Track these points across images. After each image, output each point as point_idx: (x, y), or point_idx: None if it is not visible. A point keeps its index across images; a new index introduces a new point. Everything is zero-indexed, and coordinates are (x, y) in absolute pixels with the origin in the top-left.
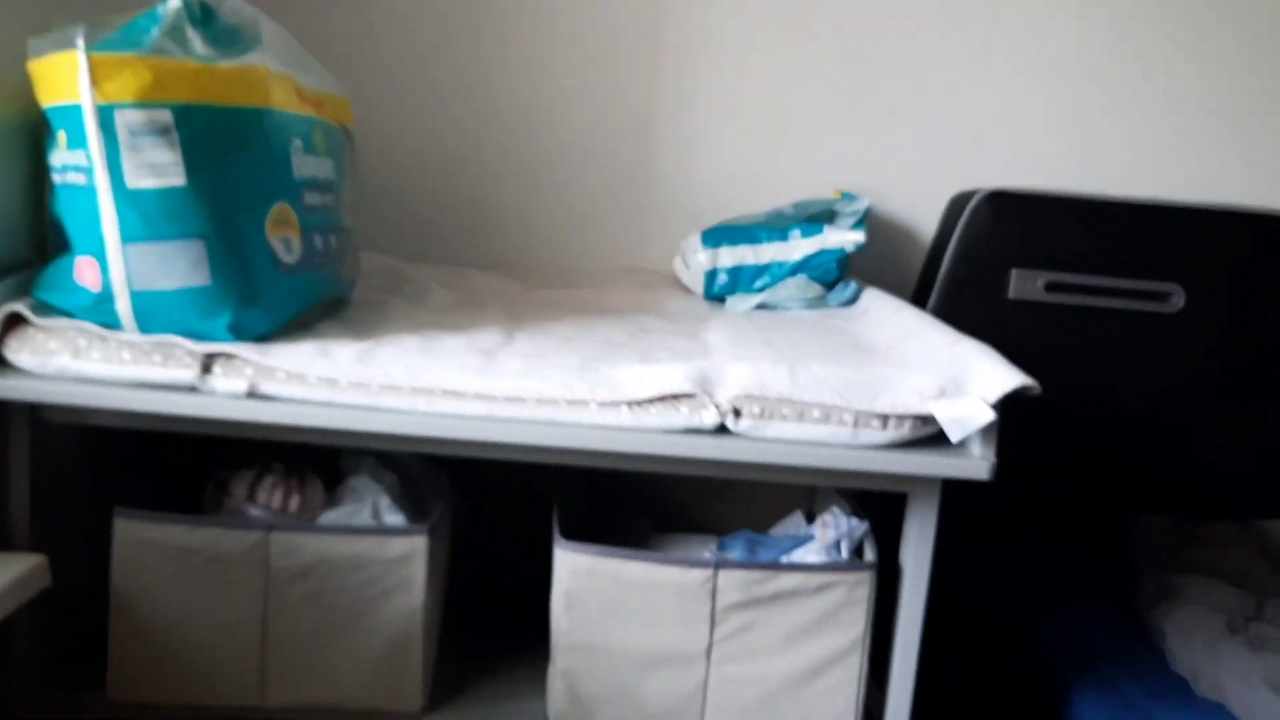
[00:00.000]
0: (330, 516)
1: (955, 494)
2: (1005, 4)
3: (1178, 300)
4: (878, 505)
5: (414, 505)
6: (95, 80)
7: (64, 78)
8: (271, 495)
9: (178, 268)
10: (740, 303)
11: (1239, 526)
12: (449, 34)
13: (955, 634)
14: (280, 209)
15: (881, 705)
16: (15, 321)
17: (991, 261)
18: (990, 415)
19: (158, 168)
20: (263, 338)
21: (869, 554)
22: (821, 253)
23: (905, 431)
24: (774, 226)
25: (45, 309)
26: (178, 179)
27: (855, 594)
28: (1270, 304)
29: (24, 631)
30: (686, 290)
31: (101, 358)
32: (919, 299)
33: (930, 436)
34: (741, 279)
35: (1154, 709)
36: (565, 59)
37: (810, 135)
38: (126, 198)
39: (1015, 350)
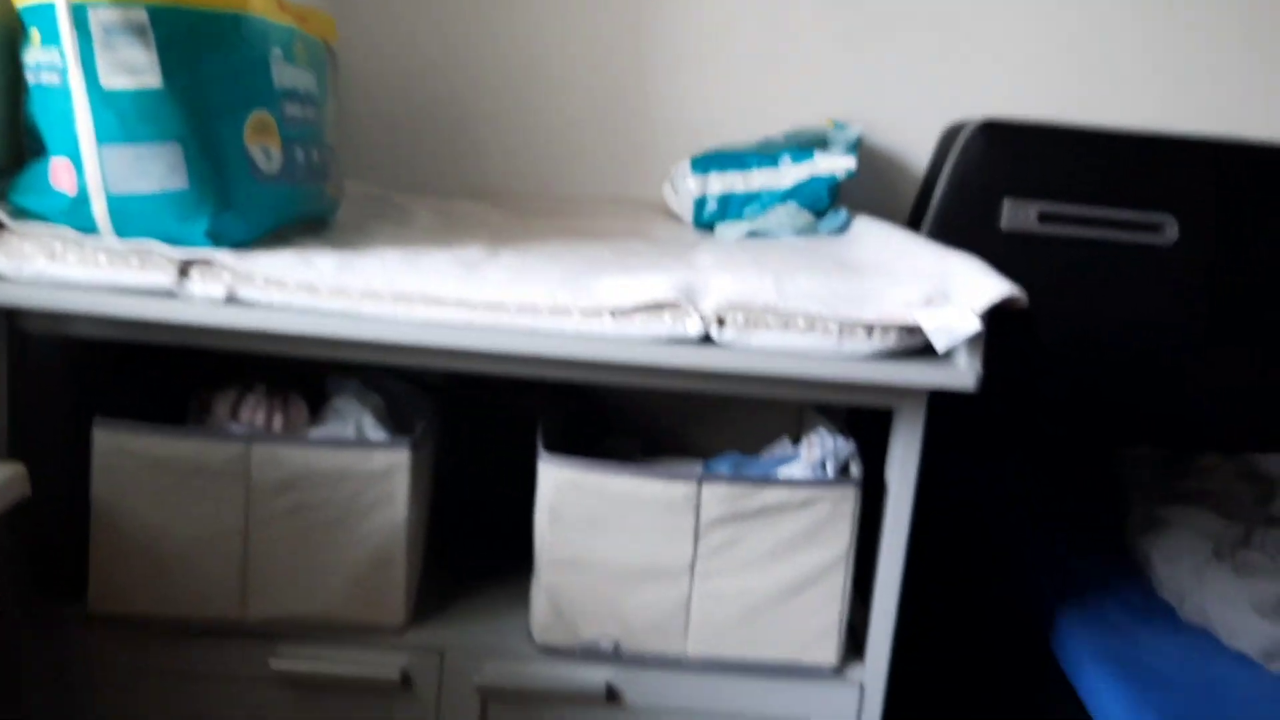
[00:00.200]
0: (313, 434)
1: (942, 415)
2: None
3: (1171, 232)
4: (865, 428)
5: (399, 426)
6: None
7: None
8: (254, 414)
9: (154, 171)
10: (730, 230)
11: (1227, 458)
12: None
13: (941, 556)
14: (259, 116)
15: (865, 622)
16: None
17: (984, 192)
18: (977, 325)
19: (133, 68)
20: (241, 245)
21: (854, 471)
22: (812, 180)
23: (891, 342)
24: (764, 153)
25: (20, 213)
26: (153, 80)
27: (839, 509)
28: (1263, 236)
29: (3, 543)
30: (676, 218)
31: (78, 261)
32: (911, 230)
33: (917, 349)
34: (731, 206)
35: (1139, 633)
36: None
37: (803, 64)
38: (101, 98)
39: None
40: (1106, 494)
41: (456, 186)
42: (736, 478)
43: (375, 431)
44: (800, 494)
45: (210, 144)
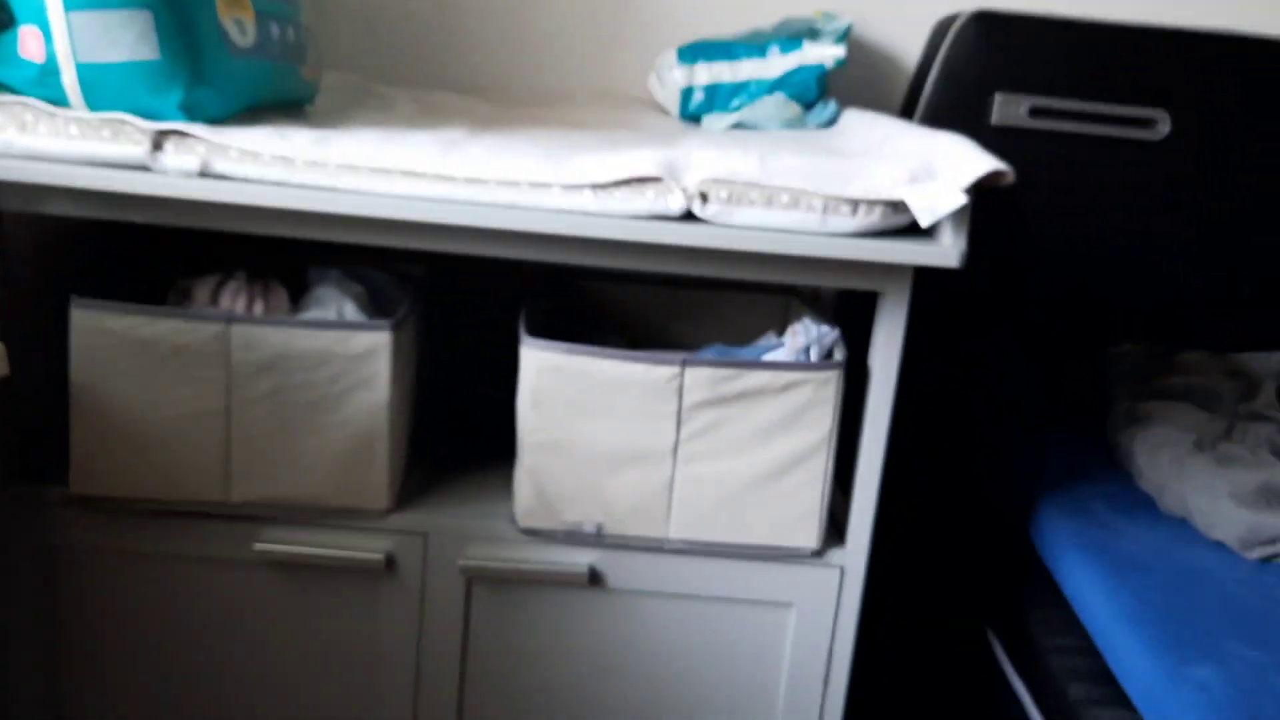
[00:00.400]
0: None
1: (931, 308)
2: None
3: (1163, 126)
4: (854, 321)
5: (381, 314)
6: None
7: None
8: (235, 301)
9: (124, 39)
10: (716, 121)
11: (1212, 355)
12: None
13: (924, 444)
14: None
15: (846, 508)
16: None
17: (975, 85)
18: (962, 199)
19: None
20: (216, 120)
21: (838, 356)
22: (800, 69)
23: (875, 219)
24: (752, 43)
25: None
26: None
27: (822, 393)
28: (1254, 131)
29: None
30: (662, 110)
31: (49, 132)
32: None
33: (902, 228)
34: (718, 97)
35: (1118, 522)
36: None
37: None
38: None
39: None
40: (1092, 389)
41: (439, 80)
42: (719, 361)
43: (357, 317)
44: (783, 377)
45: (181, 13)
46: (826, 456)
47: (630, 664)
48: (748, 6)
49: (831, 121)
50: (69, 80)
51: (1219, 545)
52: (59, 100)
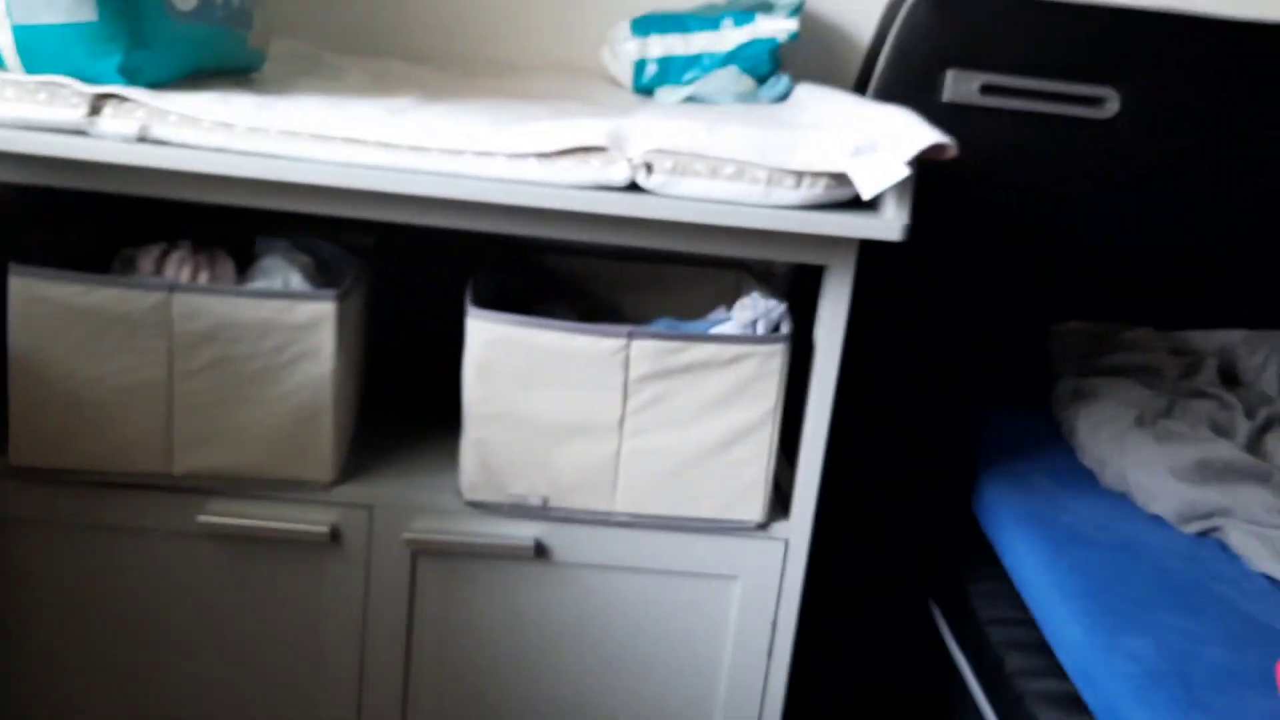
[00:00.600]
0: None
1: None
2: None
3: (1111, 105)
4: (803, 301)
5: (327, 286)
6: None
7: None
8: (180, 270)
9: (60, 1)
10: (669, 94)
11: (1157, 333)
12: None
13: (871, 419)
14: None
15: (791, 480)
16: None
17: (927, 62)
18: (905, 171)
19: None
20: (156, 85)
21: (784, 330)
22: (753, 43)
23: (819, 191)
24: (706, 15)
25: None
26: None
27: (767, 366)
28: (1204, 110)
29: None
30: (614, 83)
31: None
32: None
33: (847, 201)
34: (671, 70)
35: (1060, 496)
36: None
37: None
38: None
39: None
40: (1038, 365)
41: (392, 49)
42: (666, 334)
43: (303, 288)
44: (729, 350)
45: None
46: (772, 430)
47: (576, 637)
48: None
49: (784, 96)
50: (4, 42)
51: (1157, 519)
52: None
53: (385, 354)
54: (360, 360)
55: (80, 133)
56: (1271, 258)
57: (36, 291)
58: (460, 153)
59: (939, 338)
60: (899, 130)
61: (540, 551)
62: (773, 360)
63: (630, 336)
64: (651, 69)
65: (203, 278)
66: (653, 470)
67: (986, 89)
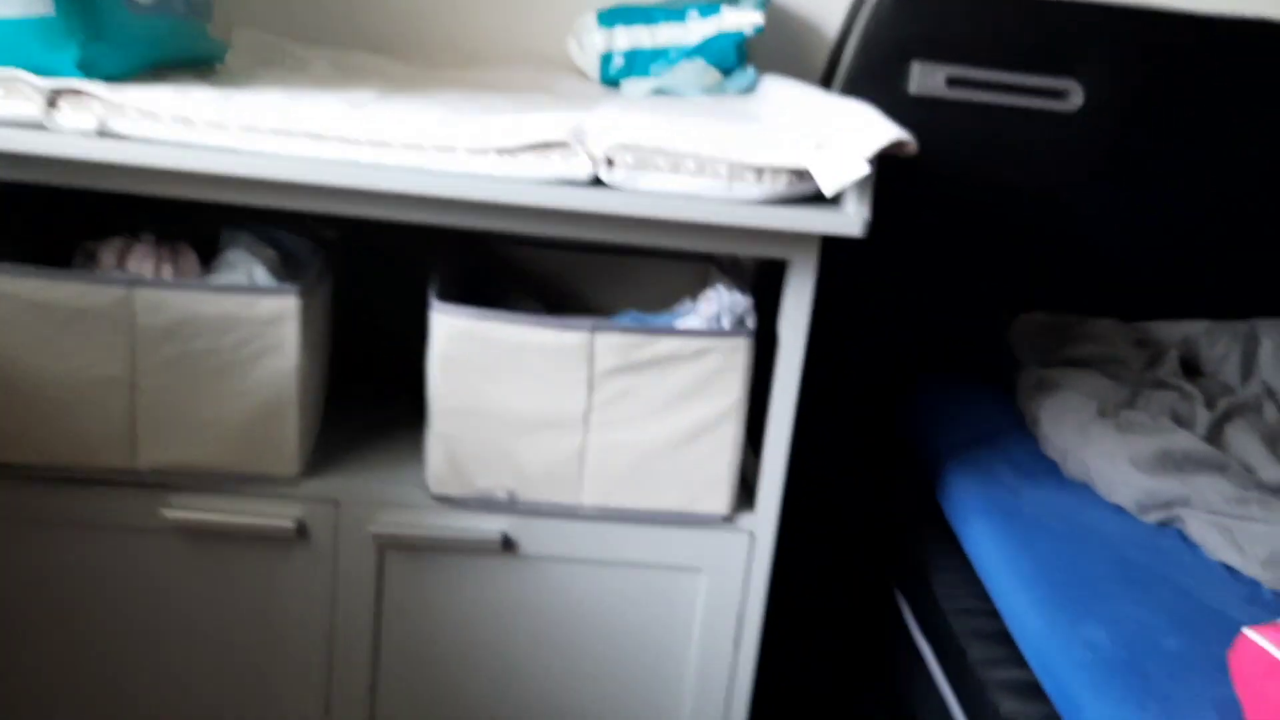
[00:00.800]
0: None
1: (842, 277)
2: None
3: (1076, 98)
4: (769, 293)
5: (291, 279)
6: None
7: None
8: (142, 264)
9: None
10: (635, 86)
11: (1120, 323)
12: None
13: (836, 412)
14: None
15: (756, 471)
16: None
17: (893, 55)
18: (865, 169)
19: None
20: (115, 79)
21: (748, 324)
22: (719, 36)
23: (781, 187)
24: (672, 8)
25: None
26: None
27: (732, 360)
28: (1165, 104)
29: None
30: (581, 74)
31: None
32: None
33: (808, 196)
34: (637, 63)
35: (1021, 487)
36: None
37: None
38: None
39: None
40: (1001, 357)
41: (356, 39)
42: (630, 327)
43: (267, 281)
44: (693, 344)
45: None
46: (736, 423)
47: (543, 629)
48: None
49: (750, 88)
50: None
51: (1118, 509)
52: None
53: (349, 345)
54: (325, 352)
55: (37, 127)
56: (1234, 248)
57: None
58: (421, 148)
59: (902, 328)
60: (860, 126)
61: (507, 545)
62: (737, 354)
63: (594, 330)
64: (618, 61)
65: (166, 271)
66: (619, 463)
67: (952, 81)
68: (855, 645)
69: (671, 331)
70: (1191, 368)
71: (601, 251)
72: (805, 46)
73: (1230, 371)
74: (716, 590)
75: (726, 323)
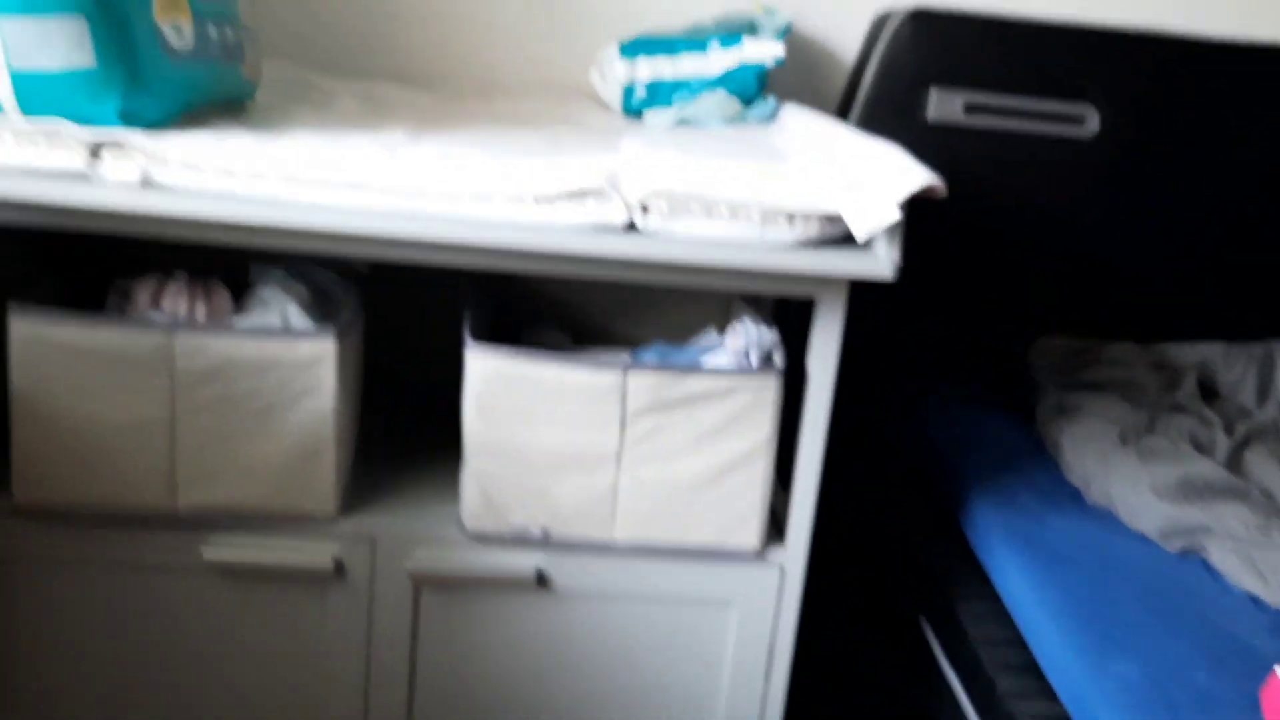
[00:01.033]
0: (238, 324)
1: (873, 307)
2: None
3: (1092, 123)
4: (791, 316)
5: (325, 315)
6: None
7: None
8: (176, 303)
9: (59, 46)
10: (658, 117)
11: (1138, 346)
12: None
13: (860, 441)
14: None
15: (785, 505)
16: None
17: (911, 82)
18: (896, 215)
19: None
20: (155, 126)
21: (777, 360)
22: (741, 67)
23: (813, 231)
24: (693, 39)
25: None
26: None
27: (761, 398)
28: (1180, 129)
29: None
30: (604, 105)
31: None
32: (840, 120)
33: (838, 238)
34: (660, 93)
35: (1046, 514)
36: None
37: None
38: None
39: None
40: (1021, 382)
41: (380, 69)
42: (662, 367)
43: (300, 320)
44: (724, 383)
45: (117, 19)
46: (766, 459)
47: (577, 664)
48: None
49: (771, 118)
50: (3, 88)
51: (1141, 537)
52: None
53: (380, 377)
54: (358, 388)
55: (81, 177)
56: (1249, 270)
57: (37, 333)
58: (459, 196)
59: (920, 352)
60: (891, 170)
61: (541, 581)
62: (767, 392)
63: (627, 370)
64: (640, 92)
65: (200, 310)
66: (651, 500)
67: (970, 108)
68: (883, 674)
69: (703, 370)
70: (1208, 390)
71: (626, 282)
72: (823, 73)
73: (1247, 394)
74: (747, 624)
75: (754, 357)
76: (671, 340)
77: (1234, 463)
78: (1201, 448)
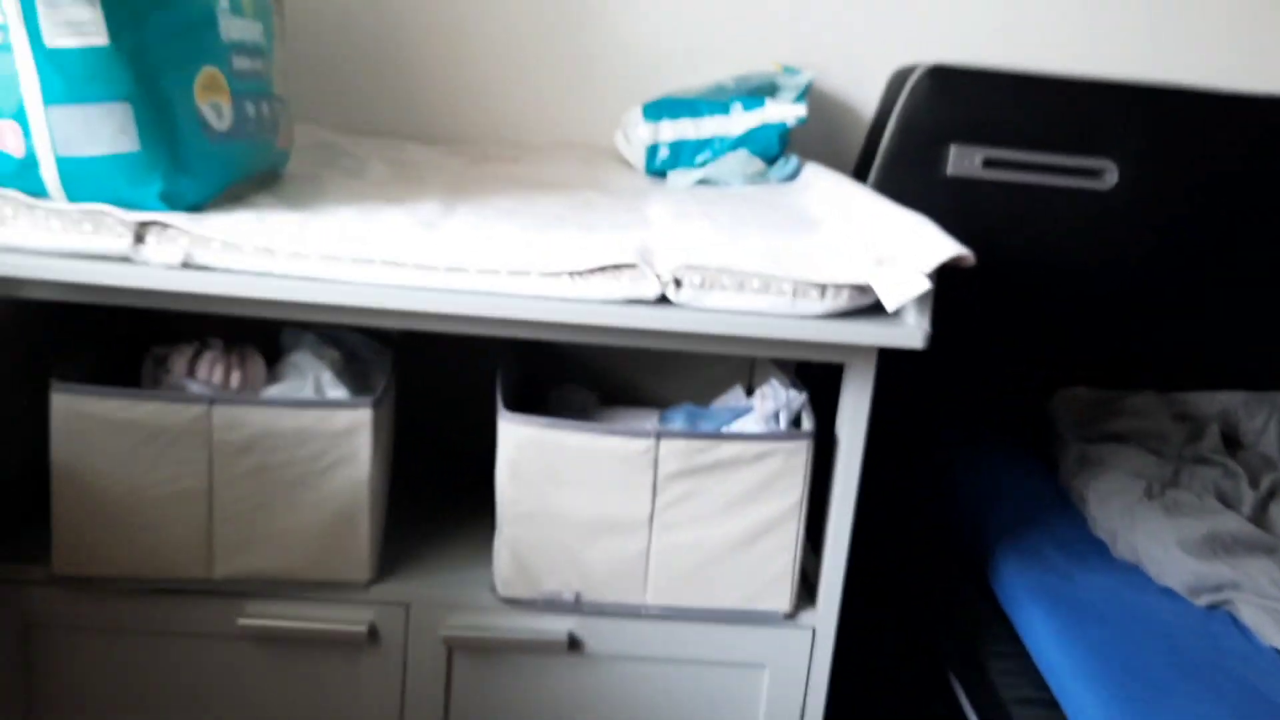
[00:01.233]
0: (272, 392)
1: (892, 363)
2: None
3: (1110, 177)
4: (816, 376)
5: (356, 380)
6: None
7: None
8: (212, 371)
9: (104, 132)
10: (682, 178)
11: (1159, 396)
12: None
13: (885, 498)
14: (208, 73)
15: (817, 570)
16: None
17: (931, 137)
18: (926, 284)
19: (78, 25)
20: (196, 207)
21: (806, 423)
22: (763, 127)
23: (843, 301)
24: (715, 100)
25: None
26: (99, 38)
27: (792, 462)
28: (1198, 181)
29: None
30: (627, 165)
31: (29, 226)
32: (859, 175)
33: (867, 306)
34: (683, 154)
35: (1073, 570)
36: None
37: (752, 6)
38: (46, 57)
39: (951, 228)
40: (1043, 435)
41: (406, 129)
42: (693, 433)
43: (334, 388)
44: (755, 448)
45: (160, 103)
46: (797, 523)
47: None
48: (708, 57)
49: (793, 175)
50: (49, 174)
51: (1169, 591)
52: (38, 192)
53: (410, 439)
54: (390, 453)
55: (125, 259)
56: (1269, 320)
57: (78, 407)
58: (496, 271)
59: (943, 405)
60: (919, 240)
61: (574, 644)
62: (797, 457)
63: (659, 437)
64: (664, 153)
65: (235, 378)
66: (682, 564)
67: (989, 162)
68: None
69: (734, 436)
70: (1231, 440)
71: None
72: (843, 128)
73: (1269, 443)
74: (779, 685)
75: (783, 420)
76: (697, 399)
77: (1260, 516)
78: (1227, 501)
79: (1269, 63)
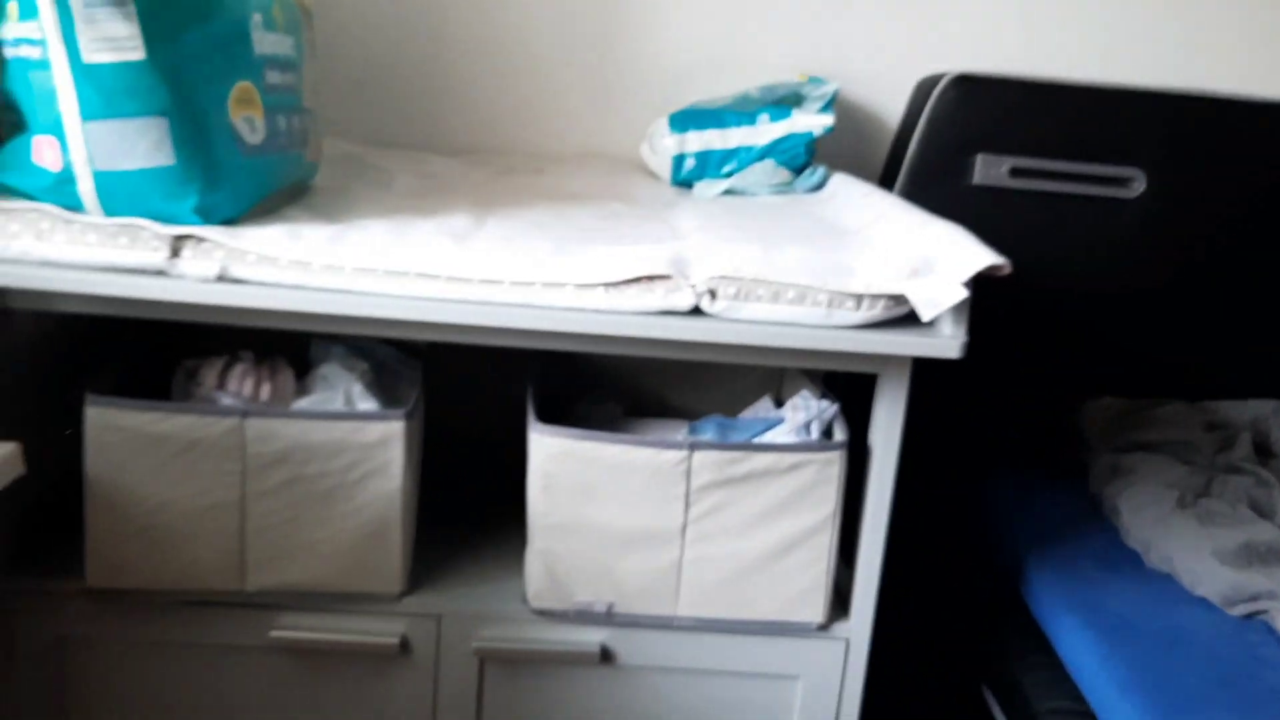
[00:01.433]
0: (303, 404)
1: (923, 373)
2: None
3: (1138, 185)
4: (848, 386)
5: (385, 392)
6: None
7: None
8: (242, 383)
9: (140, 147)
10: (708, 188)
11: (1189, 405)
12: None
13: (916, 510)
14: (242, 87)
15: (850, 581)
16: None
17: (957, 146)
18: (962, 294)
19: (115, 41)
20: (230, 220)
21: (839, 434)
22: (789, 137)
23: (878, 311)
24: (741, 110)
25: (3, 191)
26: (136, 53)
27: (825, 473)
28: (1226, 188)
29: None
30: (653, 175)
31: (66, 240)
32: (885, 184)
33: (902, 316)
34: (709, 164)
35: (1107, 581)
36: None
37: (776, 16)
38: (84, 73)
39: (978, 236)
40: (1074, 444)
41: (431, 141)
42: (726, 445)
43: (364, 399)
44: (787, 459)
45: (196, 118)
46: (831, 534)
47: None
48: (734, 68)
49: (819, 185)
50: (85, 188)
51: (1204, 602)
52: (75, 206)
53: (440, 450)
54: (420, 464)
55: (161, 273)
56: None
57: (112, 420)
58: (530, 284)
59: (971, 417)
60: (954, 250)
61: (606, 656)
62: (830, 467)
63: (691, 448)
64: (690, 163)
65: (265, 390)
66: (715, 575)
67: (1016, 171)
68: None
69: (766, 447)
70: (1262, 449)
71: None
72: (869, 138)
73: None
74: (812, 697)
75: (815, 431)
76: (724, 410)
77: None
78: (1260, 510)
79: None
